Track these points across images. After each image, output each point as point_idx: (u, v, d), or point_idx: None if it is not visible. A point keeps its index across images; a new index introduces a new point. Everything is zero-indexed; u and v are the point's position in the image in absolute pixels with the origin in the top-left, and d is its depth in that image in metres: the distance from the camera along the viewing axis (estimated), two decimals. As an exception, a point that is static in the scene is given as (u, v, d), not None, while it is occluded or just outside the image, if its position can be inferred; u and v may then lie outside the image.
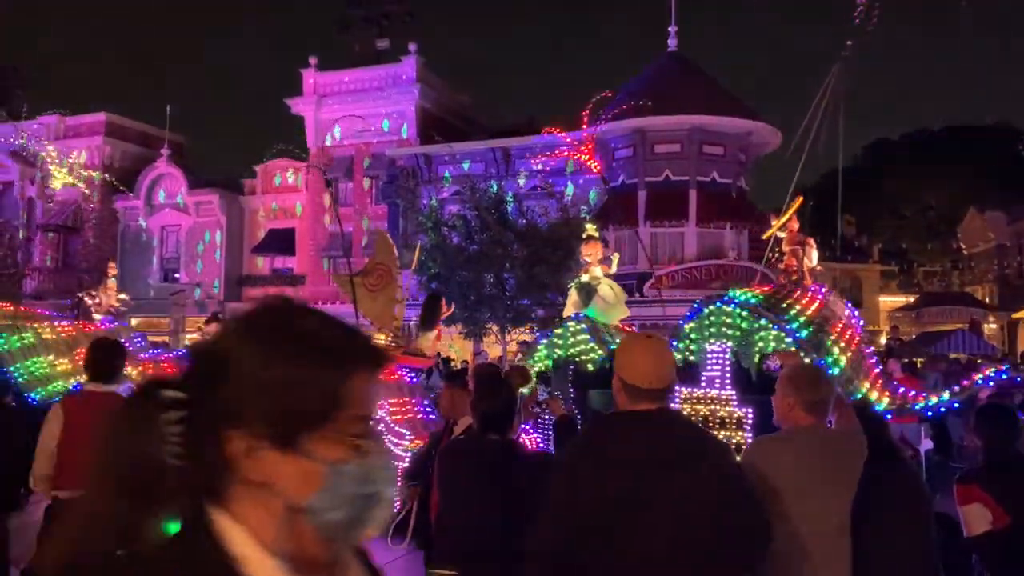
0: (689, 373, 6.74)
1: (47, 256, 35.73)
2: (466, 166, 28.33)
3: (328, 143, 32.13)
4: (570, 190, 26.01)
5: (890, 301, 39.93)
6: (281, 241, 33.18)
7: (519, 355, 15.15)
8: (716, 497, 2.58)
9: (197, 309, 32.19)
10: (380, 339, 10.34)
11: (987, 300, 35.85)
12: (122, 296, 15.93)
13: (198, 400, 1.07)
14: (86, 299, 15.10)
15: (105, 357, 5.10)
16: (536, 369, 7.90)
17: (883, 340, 19.23)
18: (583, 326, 7.90)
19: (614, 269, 10.05)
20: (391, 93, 30.80)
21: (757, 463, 3.34)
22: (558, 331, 8.04)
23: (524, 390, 6.66)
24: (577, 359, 7.76)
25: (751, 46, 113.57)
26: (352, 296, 10.10)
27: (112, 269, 15.55)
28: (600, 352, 7.52)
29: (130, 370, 9.96)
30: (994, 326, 33.20)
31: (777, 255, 9.40)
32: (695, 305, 7.13)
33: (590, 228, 10.35)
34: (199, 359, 1.12)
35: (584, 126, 20.52)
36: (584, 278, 9.66)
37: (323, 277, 32.50)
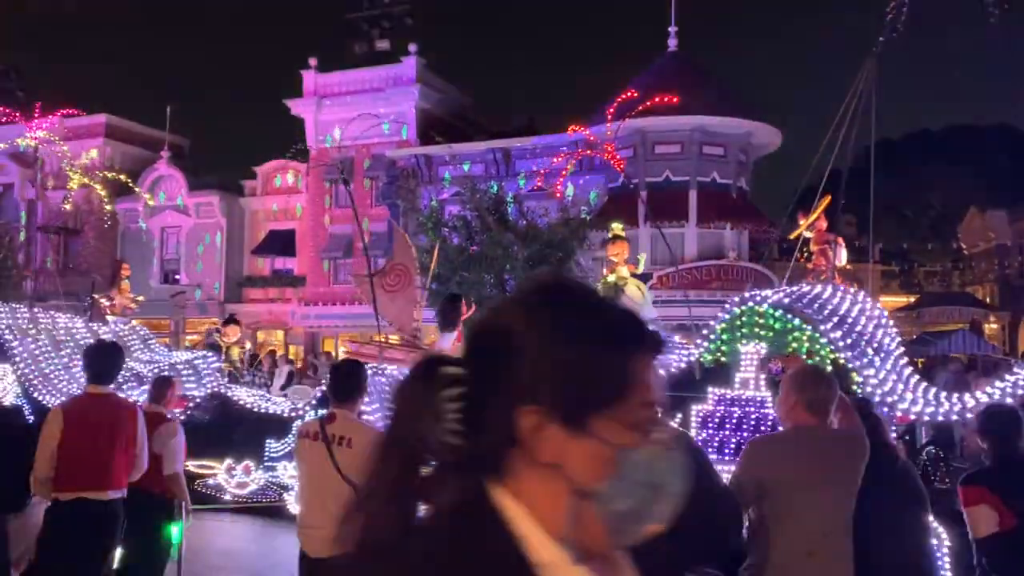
0: (721, 374, 6.64)
1: (47, 258, 35.72)
2: (466, 167, 28.32)
3: (328, 144, 32.13)
4: (570, 191, 25.98)
5: (891, 301, 39.84)
6: (281, 242, 33.17)
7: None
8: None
9: (198, 311, 32.18)
10: (396, 340, 10.25)
11: (988, 300, 35.83)
12: (139, 298, 15.87)
13: (482, 377, 1.05)
14: (102, 300, 15.01)
15: (103, 359, 5.09)
16: None
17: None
18: None
19: (641, 268, 9.88)
20: (391, 94, 30.80)
21: (758, 461, 3.34)
22: None
23: None
24: None
25: (752, 46, 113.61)
26: (371, 296, 9.97)
27: (126, 270, 15.45)
28: None
29: None
30: (995, 326, 33.18)
31: (806, 255, 9.31)
32: (726, 305, 7.01)
33: (616, 227, 10.07)
34: (480, 336, 1.09)
35: (608, 123, 20.20)
36: (610, 278, 9.44)
37: (324, 278, 32.50)
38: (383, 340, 10.72)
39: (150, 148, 36.01)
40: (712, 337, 6.92)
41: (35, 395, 10.64)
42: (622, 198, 25.70)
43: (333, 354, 28.15)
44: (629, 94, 22.07)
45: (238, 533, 9.46)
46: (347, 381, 4.46)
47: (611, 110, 21.29)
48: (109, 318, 14.23)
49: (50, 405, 10.76)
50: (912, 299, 38.25)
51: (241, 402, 10.61)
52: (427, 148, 29.43)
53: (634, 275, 9.69)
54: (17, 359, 10.91)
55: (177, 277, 34.42)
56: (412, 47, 31.28)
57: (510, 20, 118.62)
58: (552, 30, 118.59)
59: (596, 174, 27.05)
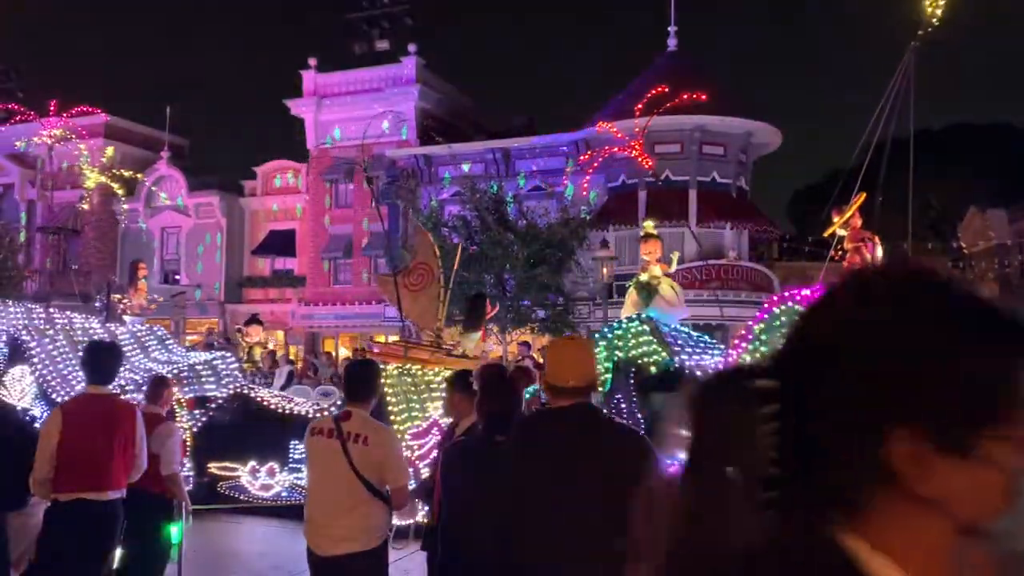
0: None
1: (47, 258, 35.73)
2: (466, 167, 28.32)
3: (328, 144, 32.13)
4: (570, 190, 25.98)
5: (891, 300, 39.82)
6: (282, 242, 33.18)
7: (521, 356, 15.12)
8: (621, 483, 2.74)
9: (198, 311, 32.16)
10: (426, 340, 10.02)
11: (988, 299, 35.83)
12: (158, 298, 15.70)
13: (814, 391, 0.86)
14: (123, 300, 14.85)
15: (103, 360, 5.08)
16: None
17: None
18: (645, 327, 7.49)
19: (674, 268, 9.62)
20: (391, 94, 30.80)
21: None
22: (617, 332, 7.58)
23: (528, 391, 6.58)
24: (639, 361, 7.37)
25: (752, 45, 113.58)
26: (396, 297, 9.81)
27: (143, 270, 15.24)
28: (664, 354, 7.21)
29: None
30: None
31: (840, 252, 9.20)
32: (764, 304, 6.86)
33: (648, 225, 9.83)
34: (802, 339, 0.90)
35: (636, 120, 19.97)
36: (643, 277, 9.24)
37: (324, 278, 32.50)
38: (404, 341, 10.59)
39: (150, 148, 36.02)
40: (750, 337, 6.74)
41: (53, 396, 10.46)
42: (622, 198, 25.70)
43: (333, 354, 28.15)
44: (659, 89, 21.69)
45: (238, 533, 9.46)
46: (362, 381, 4.47)
47: (640, 106, 20.87)
48: (126, 318, 14.09)
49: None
50: (912, 298, 38.11)
51: (264, 402, 10.36)
52: (427, 148, 29.45)
53: (666, 274, 9.39)
54: (35, 360, 10.73)
55: (177, 277, 34.41)
56: (412, 47, 31.30)
57: (508, 20, 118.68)
58: (551, 31, 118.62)
59: (597, 174, 27.04)
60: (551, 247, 20.53)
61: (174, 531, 5.76)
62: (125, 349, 11.92)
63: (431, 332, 9.98)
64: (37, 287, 33.36)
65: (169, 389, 6.39)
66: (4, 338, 10.97)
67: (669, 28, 27.39)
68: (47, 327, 11.53)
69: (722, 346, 8.42)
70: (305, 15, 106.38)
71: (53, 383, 10.63)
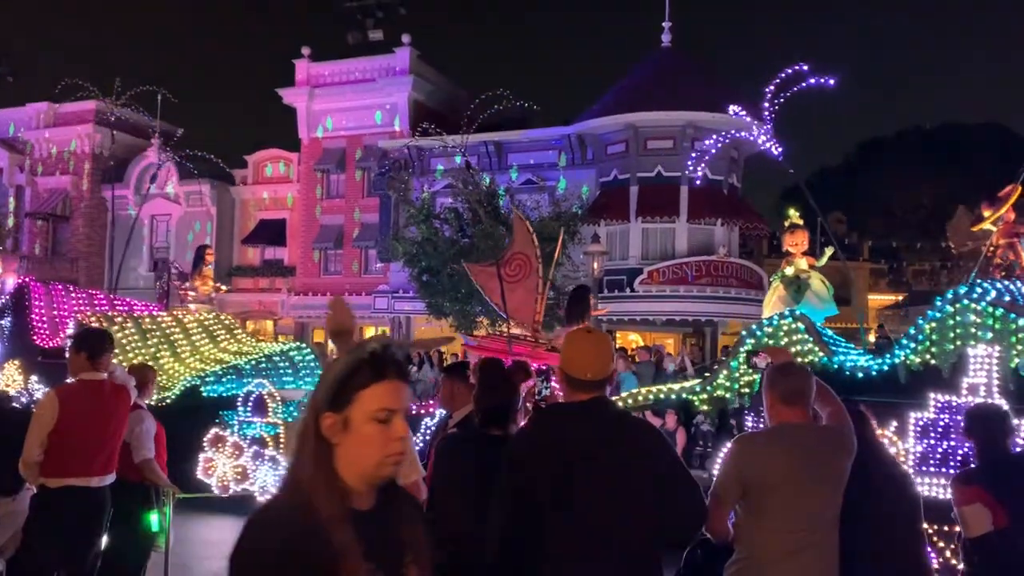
0: (927, 378, 6.08)
1: (36, 244, 35.53)
2: (458, 159, 28.30)
3: (320, 134, 32.02)
4: (562, 184, 25.97)
5: (879, 299, 40.12)
6: (272, 232, 33.08)
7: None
8: (641, 478, 2.82)
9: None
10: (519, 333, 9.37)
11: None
12: (222, 287, 15.08)
13: None
14: (187, 287, 14.37)
15: (95, 345, 5.08)
16: (745, 378, 6.95)
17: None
18: (799, 324, 7.02)
19: (823, 262, 9.01)
20: (384, 84, 30.71)
21: (741, 460, 3.35)
22: (767, 330, 7.13)
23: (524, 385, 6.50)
24: None
25: (747, 43, 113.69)
26: (500, 290, 9.16)
27: (210, 255, 14.56)
28: (821, 355, 6.78)
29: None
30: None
31: (991, 248, 8.82)
32: (937, 303, 6.43)
33: (793, 215, 9.15)
34: None
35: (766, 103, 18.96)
36: (788, 271, 8.69)
37: (314, 268, 32.43)
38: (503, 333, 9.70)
39: (141, 136, 35.82)
40: (920, 337, 6.33)
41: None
42: (614, 193, 25.72)
43: (324, 345, 28.09)
44: (798, 67, 20.42)
45: (227, 523, 9.42)
46: None
47: (771, 89, 19.58)
48: (192, 306, 13.61)
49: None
50: (900, 297, 38.49)
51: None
52: (419, 140, 29.39)
53: (813, 267, 8.77)
54: None
55: (171, 265, 34.25)
56: (405, 38, 31.19)
57: (502, 13, 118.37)
58: (545, 25, 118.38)
59: (588, 168, 27.06)
60: (543, 241, 20.52)
61: (154, 519, 5.71)
62: (193, 338, 11.52)
63: (528, 328, 9.28)
64: (26, 273, 33.15)
65: (150, 378, 6.21)
66: (72, 326, 10.55)
67: (663, 24, 27.38)
68: (116, 315, 11.09)
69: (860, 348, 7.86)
70: (299, 4, 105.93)
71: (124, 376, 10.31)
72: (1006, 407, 4.71)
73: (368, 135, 30.94)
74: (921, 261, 45.04)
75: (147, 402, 6.17)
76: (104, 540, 5.11)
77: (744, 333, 7.52)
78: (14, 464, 4.76)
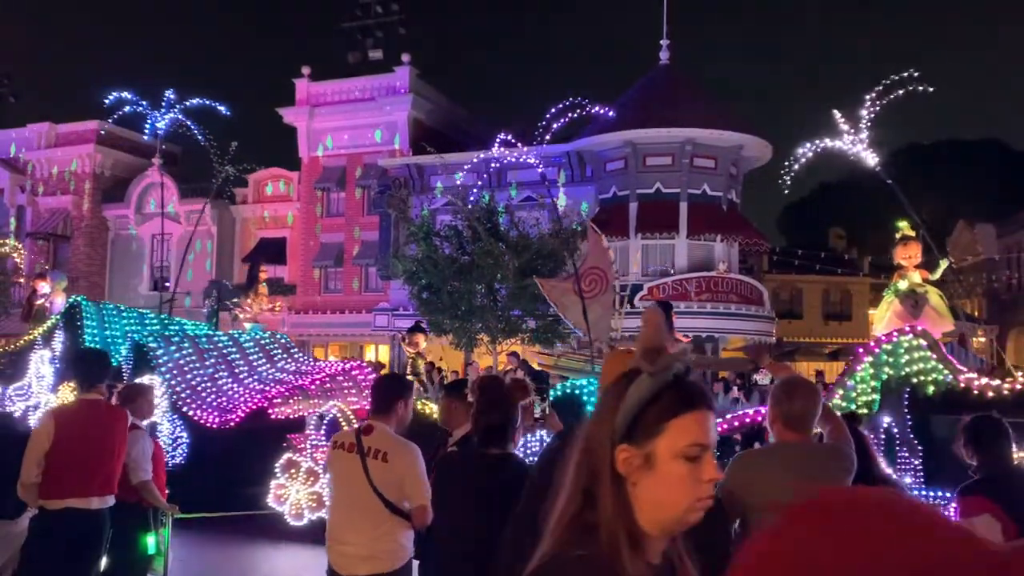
0: None
1: (37, 264, 35.54)
2: (458, 177, 28.38)
3: (320, 153, 32.13)
4: (562, 201, 26.03)
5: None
6: (272, 250, 33.12)
7: (515, 367, 15.03)
8: None
9: (187, 318, 32.01)
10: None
11: (976, 314, 36.02)
12: (276, 306, 14.67)
13: None
14: (242, 306, 14.09)
15: (91, 366, 5.08)
16: (863, 398, 6.72)
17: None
18: (921, 340, 6.83)
19: (937, 275, 8.73)
20: (383, 104, 30.84)
21: (735, 479, 3.33)
22: (887, 347, 6.89)
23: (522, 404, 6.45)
24: (914, 380, 6.75)
25: (745, 59, 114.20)
26: (581, 306, 8.80)
27: (264, 274, 14.27)
28: (945, 372, 6.60)
29: None
30: (982, 339, 33.34)
31: None
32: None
33: (904, 226, 8.78)
34: None
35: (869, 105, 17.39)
36: (902, 285, 8.35)
37: (314, 286, 32.43)
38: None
39: (142, 155, 35.94)
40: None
41: (185, 410, 9.64)
42: (613, 209, 25.78)
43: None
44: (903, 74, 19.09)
45: (225, 545, 9.36)
46: (386, 393, 4.30)
47: (876, 91, 18.21)
48: (247, 324, 13.30)
49: (202, 422, 9.62)
50: (901, 312, 38.26)
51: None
52: (419, 158, 29.50)
53: (927, 281, 8.44)
54: (163, 370, 9.77)
55: (167, 284, 34.27)
56: (405, 57, 31.37)
57: (500, 32, 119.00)
58: (544, 43, 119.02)
59: (587, 185, 27.12)
60: (542, 257, 20.54)
61: (151, 541, 5.66)
62: (251, 358, 11.24)
63: (603, 345, 8.93)
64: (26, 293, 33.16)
65: (147, 398, 6.02)
66: (129, 345, 10.32)
67: (661, 42, 27.54)
68: (172, 335, 10.84)
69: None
70: (299, 24, 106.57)
71: (183, 395, 9.81)
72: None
73: (368, 153, 31.04)
74: (922, 276, 45.00)
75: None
76: (103, 562, 5.08)
77: (862, 350, 7.18)
78: (15, 489, 4.74)
